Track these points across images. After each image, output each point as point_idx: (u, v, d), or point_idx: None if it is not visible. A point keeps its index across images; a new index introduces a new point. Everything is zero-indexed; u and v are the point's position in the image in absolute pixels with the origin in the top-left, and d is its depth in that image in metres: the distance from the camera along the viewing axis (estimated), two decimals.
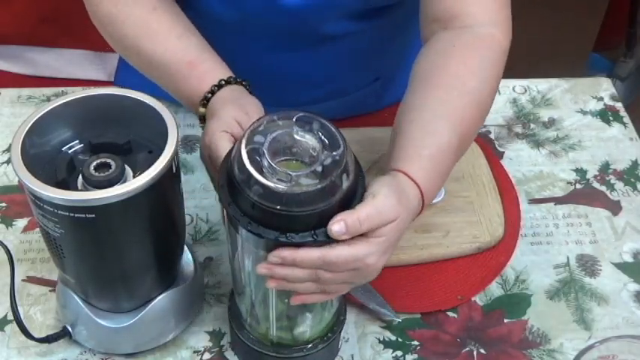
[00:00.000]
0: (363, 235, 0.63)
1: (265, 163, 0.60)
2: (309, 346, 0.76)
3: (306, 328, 0.75)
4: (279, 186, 0.59)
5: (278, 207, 0.60)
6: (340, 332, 0.79)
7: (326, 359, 0.80)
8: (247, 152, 0.60)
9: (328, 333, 0.77)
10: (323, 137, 0.62)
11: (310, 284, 0.65)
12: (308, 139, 0.62)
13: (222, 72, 0.79)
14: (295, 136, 0.62)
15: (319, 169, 0.61)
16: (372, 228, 0.63)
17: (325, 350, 0.77)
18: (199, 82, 0.78)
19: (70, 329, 0.79)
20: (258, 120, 0.64)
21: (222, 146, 0.69)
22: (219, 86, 0.77)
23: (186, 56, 0.79)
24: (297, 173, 0.60)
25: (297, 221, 0.61)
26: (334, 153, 0.61)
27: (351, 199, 0.63)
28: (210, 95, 0.77)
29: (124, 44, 0.83)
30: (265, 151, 0.60)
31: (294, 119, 0.63)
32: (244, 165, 0.60)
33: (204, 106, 0.77)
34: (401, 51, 1.02)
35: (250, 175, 0.60)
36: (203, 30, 0.83)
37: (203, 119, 0.78)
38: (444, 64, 0.77)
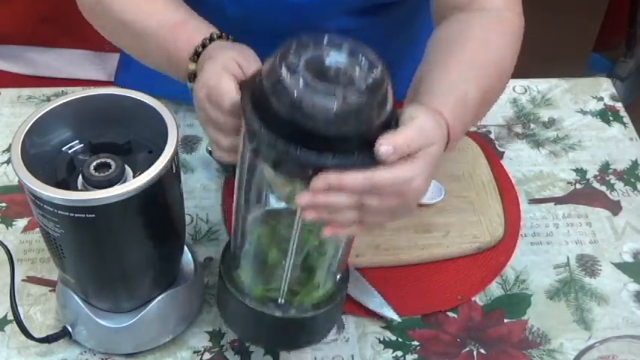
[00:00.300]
0: (406, 157, 0.61)
1: (304, 81, 0.55)
2: (310, 308, 0.71)
3: (313, 288, 0.71)
4: (326, 103, 0.55)
5: (321, 126, 0.55)
6: (341, 302, 0.75)
7: (324, 325, 0.76)
8: (286, 68, 0.56)
9: (329, 299, 0.72)
10: (360, 57, 0.59)
11: (351, 213, 0.62)
12: (343, 59, 0.58)
13: (212, 29, 0.75)
14: (329, 57, 0.58)
15: (363, 86, 0.57)
16: (417, 149, 0.61)
17: (323, 316, 0.72)
18: (189, 39, 0.74)
19: (70, 329, 0.79)
20: (286, 43, 0.59)
21: (226, 83, 0.65)
22: (211, 39, 0.73)
23: (173, 19, 0.76)
24: (342, 90, 0.56)
25: (341, 142, 0.57)
26: (374, 71, 0.58)
27: (390, 122, 0.60)
28: (201, 49, 0.73)
29: (111, 23, 0.80)
30: (302, 69, 0.56)
31: (324, 41, 0.59)
32: (282, 80, 0.56)
33: (195, 61, 0.73)
34: (403, 48, 1.02)
35: (290, 92, 0.55)
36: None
37: (193, 77, 0.74)
38: (467, 30, 0.77)
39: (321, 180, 0.58)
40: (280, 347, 0.79)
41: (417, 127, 0.61)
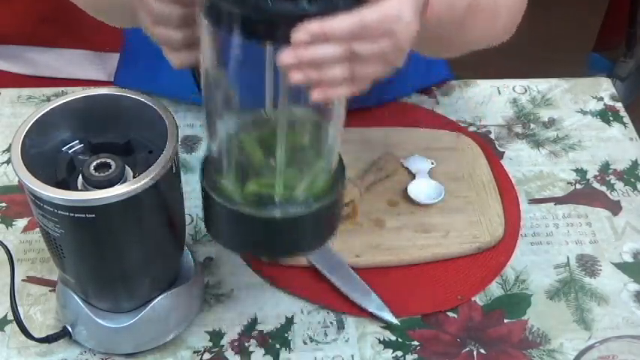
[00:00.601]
0: None
1: None
2: (309, 203, 0.66)
3: (301, 179, 0.66)
4: None
5: None
6: (341, 197, 0.69)
7: (328, 223, 0.70)
8: None
9: (328, 192, 0.67)
10: None
11: (341, 68, 0.55)
12: None
13: None
14: None
15: None
16: None
17: (325, 211, 0.67)
18: None
19: (70, 329, 0.79)
20: None
21: None
22: None
23: None
24: None
25: None
26: None
27: None
28: None
29: None
30: None
31: None
32: None
33: None
34: None
35: None
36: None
37: None
38: None
39: (302, 31, 0.51)
40: (281, 253, 0.74)
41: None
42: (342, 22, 0.52)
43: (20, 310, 0.80)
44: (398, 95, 1.09)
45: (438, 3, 0.65)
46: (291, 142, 0.63)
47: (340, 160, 0.70)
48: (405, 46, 0.58)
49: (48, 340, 0.79)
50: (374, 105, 1.08)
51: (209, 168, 0.69)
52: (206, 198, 0.69)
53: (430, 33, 0.66)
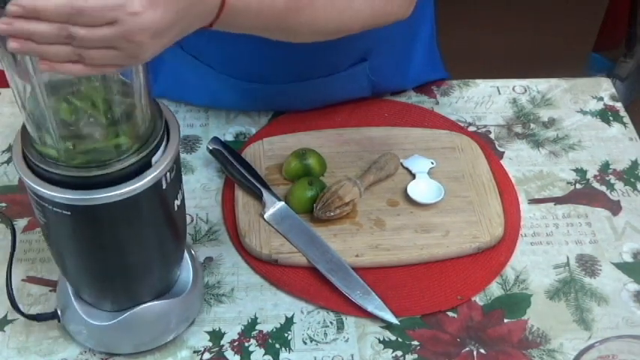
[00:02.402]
0: None
1: None
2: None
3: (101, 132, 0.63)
4: None
5: None
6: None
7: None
8: None
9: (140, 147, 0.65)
10: None
11: (63, 48, 0.55)
12: None
13: None
14: None
15: None
16: None
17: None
18: None
19: (59, 313, 0.80)
20: None
21: None
22: None
23: None
24: None
25: None
26: None
27: None
28: None
29: None
30: None
31: None
32: None
33: None
34: (385, 32, 1.00)
35: None
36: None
37: None
38: None
39: (14, 4, 0.52)
40: None
41: None
42: (55, 2, 0.53)
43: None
44: (392, 87, 1.09)
45: None
46: (101, 95, 0.63)
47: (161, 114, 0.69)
48: (138, 37, 0.56)
49: (36, 318, 0.80)
50: (368, 96, 1.09)
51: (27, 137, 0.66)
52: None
53: (254, 24, 0.68)
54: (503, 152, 1.04)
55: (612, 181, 1.01)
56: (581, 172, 1.02)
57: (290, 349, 0.82)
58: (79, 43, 0.55)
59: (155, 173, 0.65)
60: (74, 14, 0.53)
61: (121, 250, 0.71)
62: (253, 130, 1.06)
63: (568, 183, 1.01)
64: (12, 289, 0.79)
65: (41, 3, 0.53)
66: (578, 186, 1.00)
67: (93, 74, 0.60)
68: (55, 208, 0.64)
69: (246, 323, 0.84)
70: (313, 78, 1.01)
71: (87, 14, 0.54)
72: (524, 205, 0.97)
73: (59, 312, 0.80)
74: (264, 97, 1.05)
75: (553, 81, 1.16)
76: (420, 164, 0.99)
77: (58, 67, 0.56)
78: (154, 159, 0.66)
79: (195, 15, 0.62)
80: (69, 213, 0.64)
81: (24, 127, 0.66)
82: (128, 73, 0.63)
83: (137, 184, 0.64)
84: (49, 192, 0.63)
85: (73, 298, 0.78)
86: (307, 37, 0.79)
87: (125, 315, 0.77)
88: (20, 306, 0.80)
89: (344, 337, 0.83)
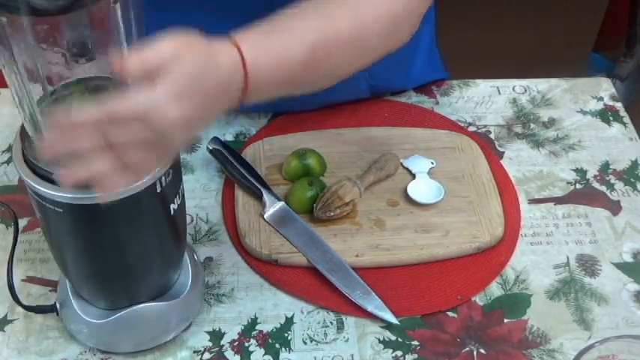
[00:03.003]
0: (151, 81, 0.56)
1: None
2: None
3: None
4: None
5: None
6: None
7: None
8: None
9: None
10: None
11: (105, 160, 0.57)
12: None
13: None
14: None
15: None
16: (156, 68, 0.56)
17: None
18: None
19: (58, 307, 0.80)
20: None
21: None
22: None
23: None
24: None
25: None
26: None
27: None
28: None
29: None
30: None
31: None
32: None
33: None
34: None
35: None
36: (178, 5, 0.81)
37: None
38: None
39: (52, 128, 0.56)
40: None
41: (153, 47, 0.57)
42: (87, 112, 0.55)
43: (20, 309, 0.80)
44: (391, 86, 1.10)
45: (266, 70, 0.66)
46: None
47: None
48: (169, 130, 0.58)
49: (35, 310, 0.80)
50: (368, 97, 1.09)
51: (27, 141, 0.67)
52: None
53: (278, 91, 0.69)
54: (503, 152, 1.04)
55: (612, 181, 1.01)
56: (581, 172, 1.02)
57: (290, 349, 0.82)
58: (118, 147, 0.57)
59: (155, 172, 0.65)
60: (108, 121, 0.55)
61: (119, 250, 0.71)
62: (253, 130, 1.06)
63: (568, 183, 1.01)
64: (12, 278, 0.79)
65: (76, 116, 0.55)
66: (578, 186, 1.00)
67: (138, 180, 0.63)
68: (53, 207, 0.64)
69: (246, 323, 0.84)
70: None
71: (118, 116, 0.56)
72: (524, 205, 0.97)
73: (58, 305, 0.80)
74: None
75: (553, 81, 1.16)
76: (420, 164, 0.99)
77: (109, 186, 0.59)
78: None
79: (221, 101, 0.63)
80: (67, 212, 0.64)
81: (23, 127, 0.66)
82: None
83: (137, 184, 0.64)
84: (47, 191, 0.63)
85: (70, 294, 0.78)
86: (330, 82, 0.78)
87: (123, 313, 0.77)
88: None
89: (344, 337, 0.83)
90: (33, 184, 0.64)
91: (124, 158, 0.57)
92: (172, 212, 0.72)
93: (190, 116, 0.59)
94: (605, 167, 1.03)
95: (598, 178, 1.02)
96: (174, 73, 0.57)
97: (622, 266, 0.91)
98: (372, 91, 1.08)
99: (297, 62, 0.69)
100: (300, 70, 0.70)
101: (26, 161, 0.65)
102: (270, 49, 0.66)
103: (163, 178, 0.66)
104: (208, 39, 0.61)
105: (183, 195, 0.75)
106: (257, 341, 0.83)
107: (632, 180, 1.01)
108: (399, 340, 0.83)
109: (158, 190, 0.67)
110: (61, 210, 0.64)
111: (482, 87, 1.14)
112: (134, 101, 0.56)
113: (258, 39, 0.66)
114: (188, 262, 0.82)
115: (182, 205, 0.76)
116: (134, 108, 0.56)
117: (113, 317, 0.77)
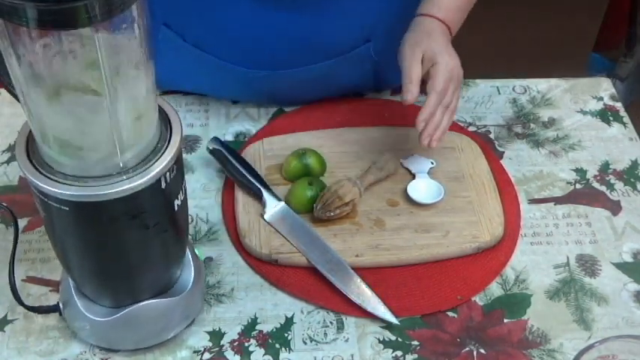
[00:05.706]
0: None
1: None
2: None
3: None
4: None
5: None
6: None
7: None
8: None
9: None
10: None
11: (446, 117, 0.92)
12: None
13: None
14: None
15: None
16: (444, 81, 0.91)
17: None
18: None
19: (61, 306, 0.80)
20: None
21: None
22: None
23: None
24: None
25: None
26: None
27: None
28: None
29: None
30: None
31: None
32: None
33: None
34: (389, 11, 1.01)
35: None
36: None
37: None
38: None
39: (420, 119, 0.91)
40: None
41: (441, 69, 0.90)
42: (431, 99, 0.90)
43: (20, 309, 0.80)
44: (396, 80, 1.10)
45: (452, 18, 0.95)
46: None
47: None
48: (461, 72, 0.94)
49: (38, 310, 0.80)
50: (370, 91, 1.10)
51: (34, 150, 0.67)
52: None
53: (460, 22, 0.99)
54: (503, 152, 1.04)
55: (612, 181, 1.01)
56: (581, 172, 1.02)
57: (290, 349, 0.82)
58: (449, 103, 0.92)
59: (158, 169, 0.65)
60: (442, 92, 0.91)
61: (124, 247, 0.71)
62: (253, 130, 1.06)
63: (568, 183, 1.01)
64: (14, 279, 0.79)
65: (432, 100, 0.90)
66: (578, 186, 1.00)
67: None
68: (58, 205, 0.64)
69: (246, 323, 0.84)
70: (317, 62, 1.01)
71: (446, 85, 0.91)
72: (524, 205, 0.97)
73: (61, 305, 0.80)
74: (267, 85, 1.04)
75: (553, 81, 1.16)
76: (419, 164, 0.99)
77: (444, 129, 0.93)
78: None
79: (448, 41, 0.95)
80: (72, 209, 0.64)
81: (27, 124, 0.66)
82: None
83: (140, 181, 0.64)
84: (52, 189, 0.63)
85: (74, 292, 0.78)
86: None
87: (127, 311, 0.77)
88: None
89: (344, 337, 0.83)
90: (37, 182, 0.64)
91: (450, 107, 0.93)
92: (176, 208, 0.72)
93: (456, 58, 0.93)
94: (605, 167, 1.03)
95: (598, 178, 1.02)
96: (435, 52, 0.91)
97: (622, 266, 0.91)
98: (376, 77, 1.07)
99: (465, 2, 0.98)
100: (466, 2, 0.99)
101: (30, 159, 0.65)
102: (449, 9, 0.96)
103: (168, 173, 0.66)
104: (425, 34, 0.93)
105: (186, 191, 0.75)
106: (257, 341, 0.83)
107: (632, 180, 1.01)
108: (399, 340, 0.83)
109: (163, 186, 0.67)
110: (66, 208, 0.64)
111: (482, 87, 1.14)
112: (442, 78, 0.90)
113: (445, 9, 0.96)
114: (190, 258, 0.82)
115: (185, 201, 0.76)
116: (447, 74, 0.90)
117: (117, 315, 0.77)
